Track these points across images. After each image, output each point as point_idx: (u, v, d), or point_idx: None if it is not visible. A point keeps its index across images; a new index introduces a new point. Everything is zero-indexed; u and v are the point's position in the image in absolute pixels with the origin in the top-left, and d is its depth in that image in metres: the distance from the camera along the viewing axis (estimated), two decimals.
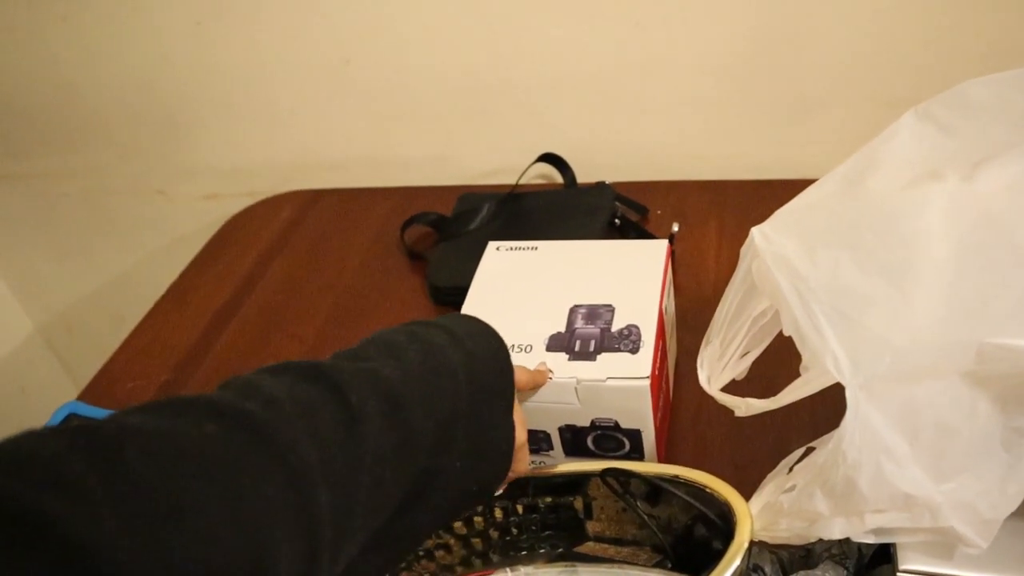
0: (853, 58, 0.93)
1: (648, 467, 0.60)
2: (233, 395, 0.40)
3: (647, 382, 0.60)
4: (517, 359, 0.63)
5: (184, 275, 1.06)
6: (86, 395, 0.89)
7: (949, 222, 0.45)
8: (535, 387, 0.62)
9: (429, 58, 1.03)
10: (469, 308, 0.69)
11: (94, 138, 1.18)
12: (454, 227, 0.96)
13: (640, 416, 0.62)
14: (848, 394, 0.43)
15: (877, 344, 0.43)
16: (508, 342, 0.64)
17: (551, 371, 0.62)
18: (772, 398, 0.51)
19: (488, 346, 0.56)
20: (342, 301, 0.95)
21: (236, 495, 0.35)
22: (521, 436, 0.56)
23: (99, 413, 0.78)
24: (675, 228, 0.89)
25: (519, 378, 0.58)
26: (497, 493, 0.59)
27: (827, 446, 0.45)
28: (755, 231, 0.52)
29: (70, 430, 0.33)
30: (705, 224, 0.95)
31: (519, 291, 0.71)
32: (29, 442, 0.32)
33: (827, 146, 0.99)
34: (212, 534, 0.33)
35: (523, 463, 0.58)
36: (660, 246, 0.72)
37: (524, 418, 0.58)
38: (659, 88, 1.00)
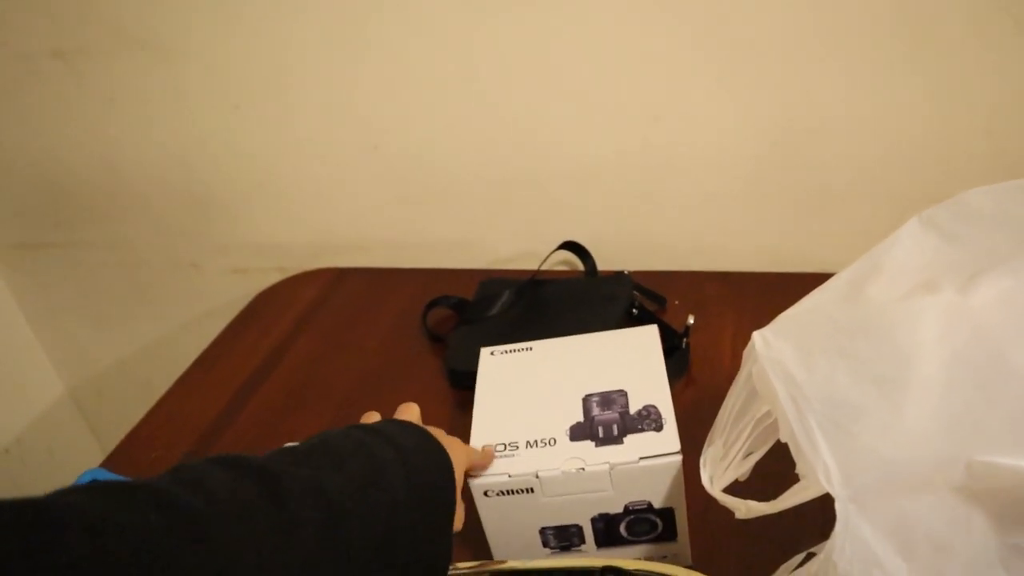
0: (871, 155, 0.95)
1: (644, 565, 0.60)
2: (180, 487, 0.41)
3: (679, 457, 0.61)
4: (543, 453, 0.63)
5: (211, 347, 1.08)
6: (111, 461, 0.91)
7: (942, 336, 0.46)
8: (483, 468, 0.63)
9: (456, 146, 1.06)
10: (479, 413, 0.68)
11: (133, 212, 1.22)
12: (474, 311, 0.98)
13: (673, 493, 0.62)
14: (838, 506, 0.44)
15: (868, 456, 0.44)
16: (530, 438, 0.64)
17: (583, 462, 0.61)
18: (772, 502, 0.51)
19: (432, 462, 0.57)
20: (363, 380, 0.96)
21: None
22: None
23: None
24: (691, 320, 0.89)
25: (473, 463, 0.61)
26: None
27: (820, 556, 0.46)
28: (756, 336, 0.53)
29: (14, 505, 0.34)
30: (722, 316, 0.95)
31: (525, 390, 0.70)
32: None
33: (844, 239, 1.00)
34: None
35: None
36: (651, 331, 0.73)
37: (462, 514, 0.60)
38: (679, 180, 1.01)
